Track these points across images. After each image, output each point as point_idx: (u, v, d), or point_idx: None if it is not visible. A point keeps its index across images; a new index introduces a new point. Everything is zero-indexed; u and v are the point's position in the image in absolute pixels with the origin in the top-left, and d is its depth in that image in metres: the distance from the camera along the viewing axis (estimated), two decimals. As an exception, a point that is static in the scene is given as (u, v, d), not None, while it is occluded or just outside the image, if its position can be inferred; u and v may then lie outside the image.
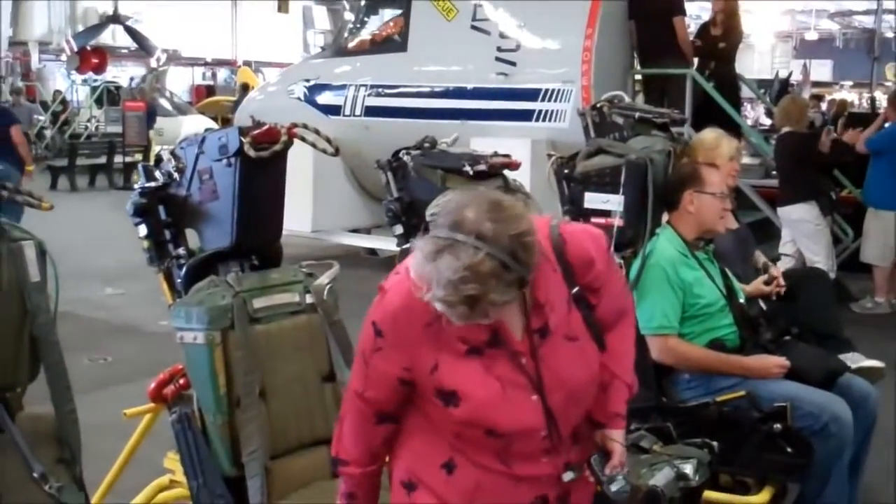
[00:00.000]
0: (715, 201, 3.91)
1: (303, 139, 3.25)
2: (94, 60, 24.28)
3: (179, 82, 31.19)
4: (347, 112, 10.17)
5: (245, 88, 19.57)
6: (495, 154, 3.83)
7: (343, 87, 10.36)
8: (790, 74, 18.46)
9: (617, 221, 4.00)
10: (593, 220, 4.09)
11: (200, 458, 2.94)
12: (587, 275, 2.29)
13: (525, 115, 8.97)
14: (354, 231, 10.38)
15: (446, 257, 2.00)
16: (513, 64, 9.18)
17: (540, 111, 8.91)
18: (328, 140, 3.35)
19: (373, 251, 10.33)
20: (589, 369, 2.29)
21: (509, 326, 2.19)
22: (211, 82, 33.57)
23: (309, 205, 9.75)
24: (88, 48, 24.47)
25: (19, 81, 23.47)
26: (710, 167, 3.96)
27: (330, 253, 8.79)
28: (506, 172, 3.89)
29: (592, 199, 4.08)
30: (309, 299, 3.20)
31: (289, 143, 3.15)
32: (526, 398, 2.21)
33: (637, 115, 4.51)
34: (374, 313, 2.24)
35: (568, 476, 2.29)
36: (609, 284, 2.36)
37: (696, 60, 9.48)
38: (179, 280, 3.17)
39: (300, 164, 9.08)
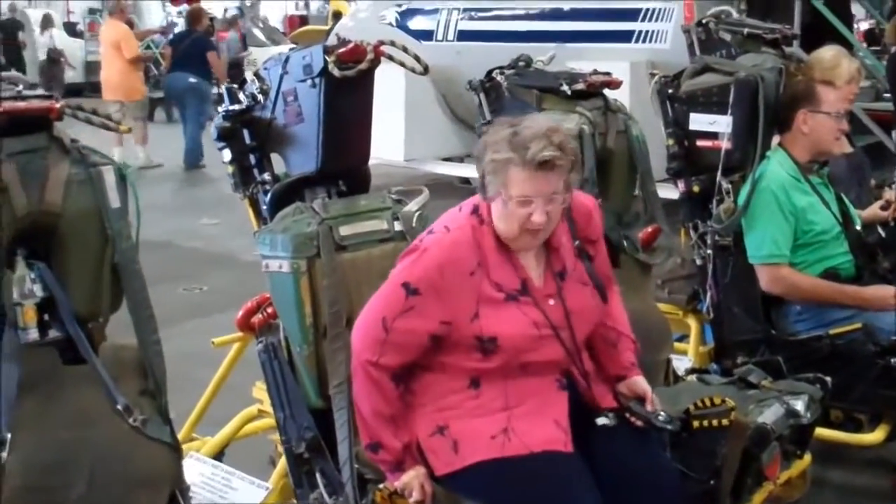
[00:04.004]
0: (830, 121, 3.72)
1: (390, 57, 3.11)
2: (188, -9, 24.42)
3: (274, 12, 31.20)
4: (440, 37, 10.00)
5: (337, 16, 19.41)
6: (595, 72, 3.64)
7: (435, 11, 10.17)
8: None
9: (725, 144, 3.82)
10: (699, 142, 3.92)
11: (287, 389, 2.87)
12: (587, 227, 2.56)
13: (624, 37, 8.63)
14: (447, 160, 10.24)
15: (526, 127, 2.36)
16: (612, -18, 8.85)
17: (640, 32, 8.57)
18: (417, 58, 3.19)
19: (466, 180, 10.20)
20: (599, 310, 2.59)
21: (533, 277, 2.48)
22: (304, 12, 33.51)
23: (401, 133, 9.62)
24: (182, -21, 24.60)
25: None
26: (826, 85, 3.72)
27: (423, 182, 8.72)
28: (606, 92, 3.69)
29: (698, 121, 3.92)
30: (398, 226, 3.08)
31: (375, 62, 3.00)
32: (556, 336, 2.46)
33: (746, 30, 4.29)
34: (405, 274, 2.43)
35: (602, 421, 2.52)
36: (601, 242, 2.67)
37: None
38: (265, 207, 3.09)
39: (392, 92, 8.98)
